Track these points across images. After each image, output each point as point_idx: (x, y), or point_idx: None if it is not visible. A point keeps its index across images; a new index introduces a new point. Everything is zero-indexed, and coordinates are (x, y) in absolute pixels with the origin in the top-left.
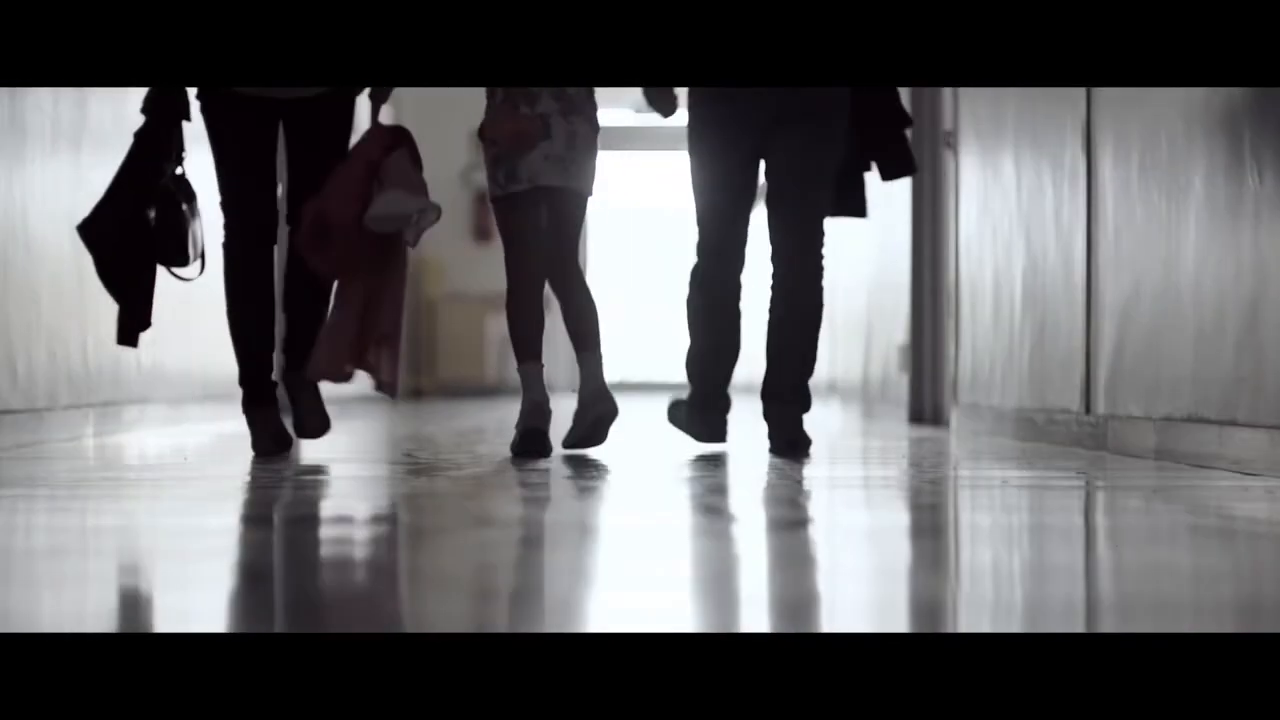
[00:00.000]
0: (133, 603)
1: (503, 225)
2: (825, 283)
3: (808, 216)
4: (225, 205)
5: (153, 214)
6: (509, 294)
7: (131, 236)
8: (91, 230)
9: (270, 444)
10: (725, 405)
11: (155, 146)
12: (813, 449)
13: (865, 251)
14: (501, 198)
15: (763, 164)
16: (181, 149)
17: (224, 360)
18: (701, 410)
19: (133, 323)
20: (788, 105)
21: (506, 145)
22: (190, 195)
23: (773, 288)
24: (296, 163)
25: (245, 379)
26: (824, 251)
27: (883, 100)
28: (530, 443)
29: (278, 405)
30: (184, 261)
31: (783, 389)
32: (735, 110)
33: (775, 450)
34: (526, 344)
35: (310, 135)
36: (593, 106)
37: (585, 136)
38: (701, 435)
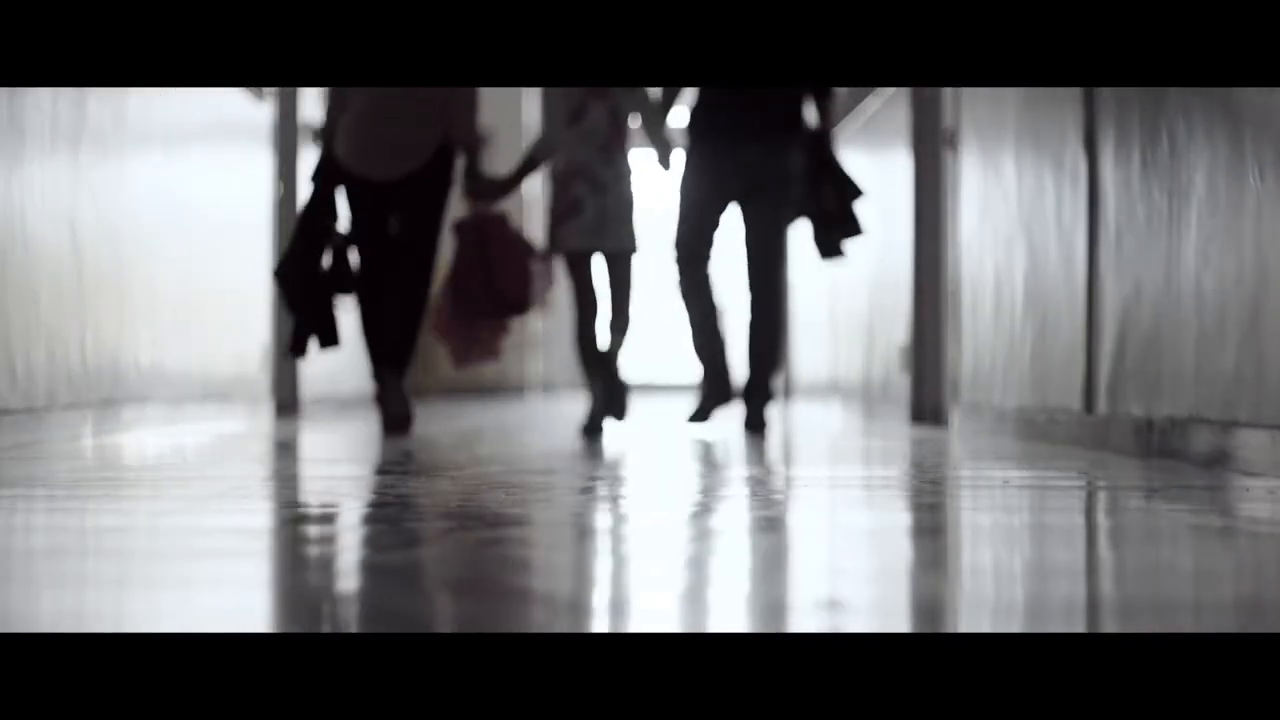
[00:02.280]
0: (133, 603)
1: (569, 275)
2: (786, 300)
3: (769, 257)
4: (359, 249)
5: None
6: (576, 321)
7: (307, 277)
8: (281, 274)
9: (396, 424)
10: (724, 395)
11: (320, 208)
12: (768, 431)
13: (866, 251)
14: (561, 255)
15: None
16: (337, 209)
17: (223, 360)
18: (703, 391)
19: (302, 337)
20: (759, 172)
21: (554, 220)
22: (350, 241)
23: (750, 308)
24: (405, 222)
25: (375, 373)
26: (782, 279)
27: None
28: (593, 428)
29: (402, 391)
30: (349, 291)
31: (752, 385)
32: (721, 168)
33: (746, 428)
34: (586, 363)
35: (412, 201)
36: (626, 185)
37: (615, 209)
38: (698, 413)
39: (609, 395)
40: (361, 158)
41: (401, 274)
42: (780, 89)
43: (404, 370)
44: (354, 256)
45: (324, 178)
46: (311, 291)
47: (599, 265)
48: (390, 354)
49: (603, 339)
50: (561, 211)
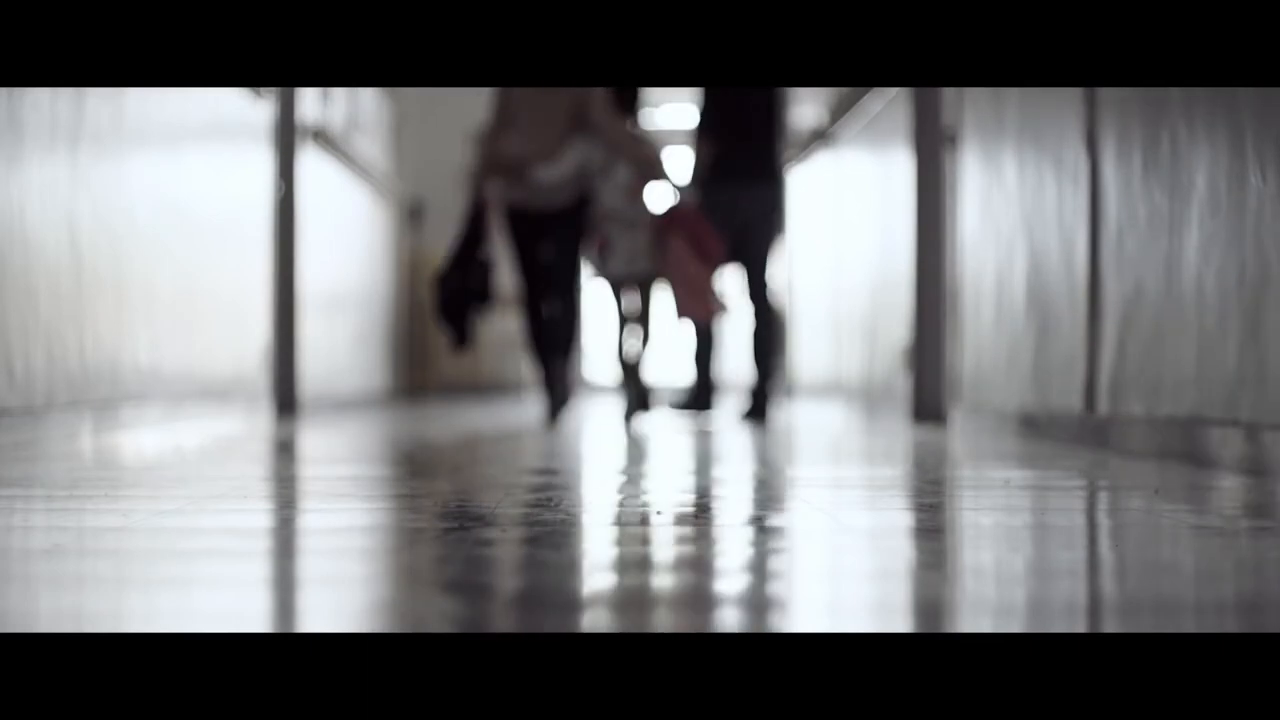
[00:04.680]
0: (132, 603)
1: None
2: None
3: (765, 274)
4: (518, 273)
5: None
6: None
7: (456, 291)
8: (438, 289)
9: (552, 411)
10: (706, 404)
11: (473, 236)
12: (769, 421)
13: (868, 252)
14: (604, 278)
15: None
16: (487, 236)
17: (222, 360)
18: (694, 397)
19: (455, 342)
20: (757, 208)
21: (598, 253)
22: (492, 265)
23: (754, 317)
24: (559, 246)
25: (538, 369)
26: (772, 290)
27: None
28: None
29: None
30: (488, 306)
31: (758, 382)
32: (728, 203)
33: (749, 417)
34: (622, 367)
35: (557, 229)
36: (647, 221)
37: (643, 243)
38: (682, 406)
39: (638, 395)
40: (518, 191)
41: (560, 288)
42: (768, 140)
43: (566, 363)
44: (504, 275)
45: (478, 209)
46: (459, 303)
47: (632, 289)
48: (557, 352)
49: (630, 349)
50: (602, 247)
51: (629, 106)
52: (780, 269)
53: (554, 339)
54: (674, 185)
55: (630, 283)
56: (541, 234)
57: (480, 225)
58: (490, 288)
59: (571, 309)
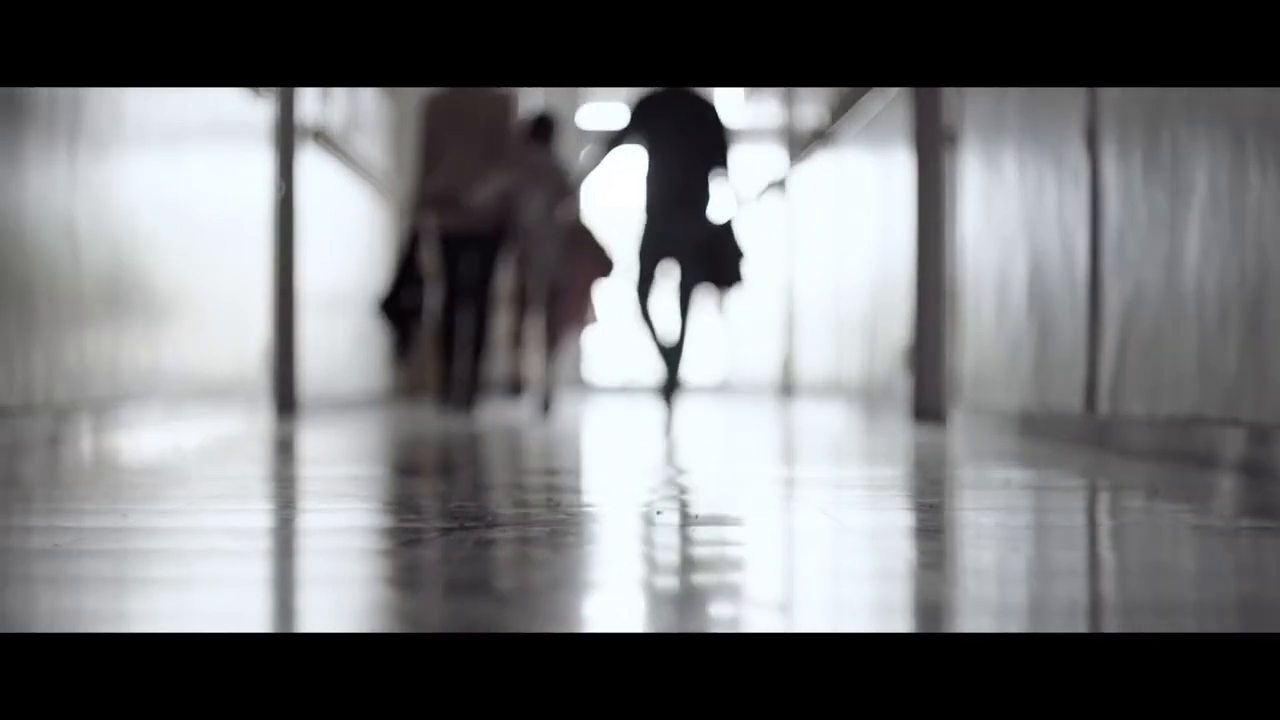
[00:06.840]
0: (132, 603)
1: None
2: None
3: (692, 292)
4: (444, 286)
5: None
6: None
7: (395, 305)
8: (383, 304)
9: (457, 407)
10: (677, 385)
11: (410, 256)
12: (676, 403)
13: (868, 251)
14: (525, 285)
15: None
16: (420, 259)
17: (222, 360)
18: (663, 385)
19: (400, 349)
20: (688, 235)
21: (520, 261)
22: (426, 283)
23: (678, 324)
24: (480, 263)
25: (448, 375)
26: (695, 306)
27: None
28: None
29: (463, 388)
30: (422, 315)
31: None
32: (655, 233)
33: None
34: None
35: (478, 249)
36: (560, 237)
37: (556, 255)
38: (664, 395)
39: (546, 391)
40: (448, 217)
41: (477, 298)
42: (704, 181)
43: (477, 368)
44: (433, 289)
45: (412, 233)
46: (399, 315)
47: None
48: (469, 357)
49: (548, 348)
50: (521, 259)
51: (543, 136)
52: (744, 292)
53: (469, 342)
54: (578, 197)
55: (545, 287)
56: (466, 252)
57: (415, 250)
58: (424, 303)
59: (485, 316)
